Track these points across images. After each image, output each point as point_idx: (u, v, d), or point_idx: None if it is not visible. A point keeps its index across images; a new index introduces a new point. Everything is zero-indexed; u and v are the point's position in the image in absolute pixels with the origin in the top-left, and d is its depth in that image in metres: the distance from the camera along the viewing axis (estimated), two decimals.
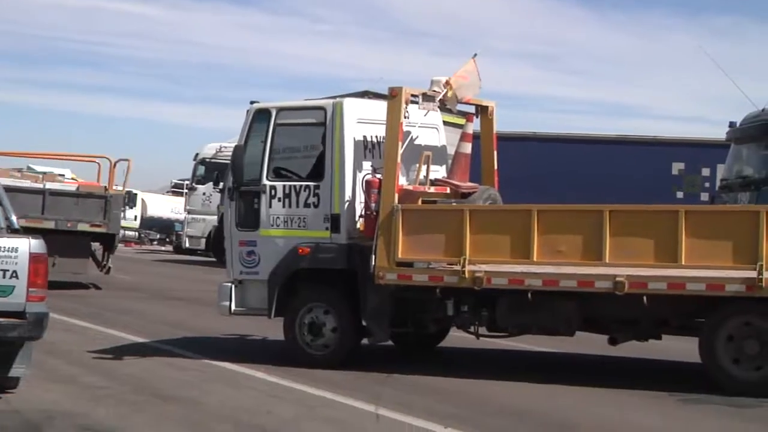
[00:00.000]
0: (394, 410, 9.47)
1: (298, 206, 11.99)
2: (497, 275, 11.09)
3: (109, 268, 22.30)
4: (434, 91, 11.99)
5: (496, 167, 13.18)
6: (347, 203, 11.79)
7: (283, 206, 12.05)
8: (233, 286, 12.30)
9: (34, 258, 9.18)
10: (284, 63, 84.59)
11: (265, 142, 12.16)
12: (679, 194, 26.58)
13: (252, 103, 12.67)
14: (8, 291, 9.10)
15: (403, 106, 11.62)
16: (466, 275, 11.05)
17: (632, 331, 11.33)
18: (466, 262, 11.05)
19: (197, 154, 31.46)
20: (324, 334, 11.81)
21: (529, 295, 10.93)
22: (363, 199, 11.81)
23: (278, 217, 12.08)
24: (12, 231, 9.82)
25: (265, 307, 12.11)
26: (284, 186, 12.09)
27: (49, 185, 21.77)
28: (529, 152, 26.62)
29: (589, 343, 12.13)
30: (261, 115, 12.30)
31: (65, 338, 13.65)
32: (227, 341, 14.14)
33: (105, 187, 22.25)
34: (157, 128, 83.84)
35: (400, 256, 11.36)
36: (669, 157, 27.23)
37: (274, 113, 12.22)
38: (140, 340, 14.09)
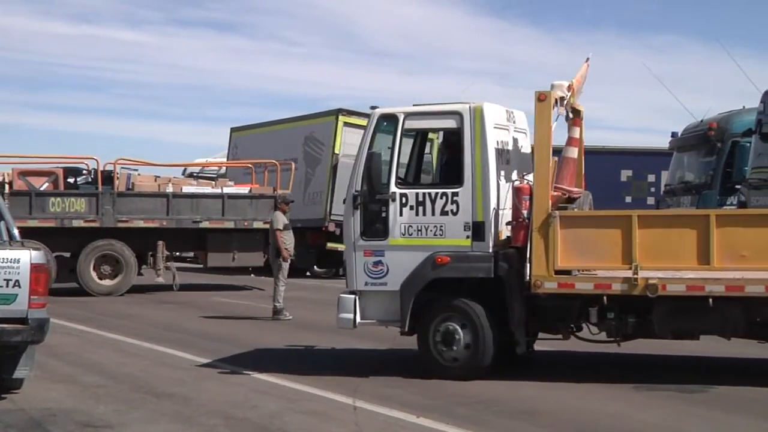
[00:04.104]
0: (371, 402, 9.46)
1: (433, 214, 10.74)
2: (674, 282, 10.09)
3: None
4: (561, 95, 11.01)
5: (583, 171, 12.25)
6: (492, 210, 10.66)
7: (416, 214, 10.79)
8: (356, 297, 11.08)
9: (35, 268, 9.14)
10: (262, 83, 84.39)
11: (392, 148, 10.92)
12: (628, 199, 26.76)
13: (373, 108, 11.39)
14: (11, 299, 9.06)
15: (552, 109, 10.63)
16: (639, 282, 10.07)
17: None
18: (638, 269, 10.09)
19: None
20: (460, 345, 10.70)
21: (710, 301, 9.97)
22: (505, 206, 10.83)
23: (410, 226, 10.80)
24: (14, 243, 9.75)
25: (393, 319, 10.94)
26: (417, 193, 10.87)
27: (226, 190, 22.43)
28: None
29: (554, 340, 12.04)
30: (387, 121, 11.04)
31: (65, 341, 13.56)
32: (215, 341, 14.06)
33: (273, 188, 22.91)
34: (147, 145, 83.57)
35: (559, 264, 10.36)
36: (618, 165, 27.40)
37: (401, 118, 10.94)
38: (135, 341, 14.00)
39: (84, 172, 22.47)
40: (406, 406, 9.27)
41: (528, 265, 10.43)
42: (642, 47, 67.58)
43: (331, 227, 25.43)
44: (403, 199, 10.83)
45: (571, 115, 11.44)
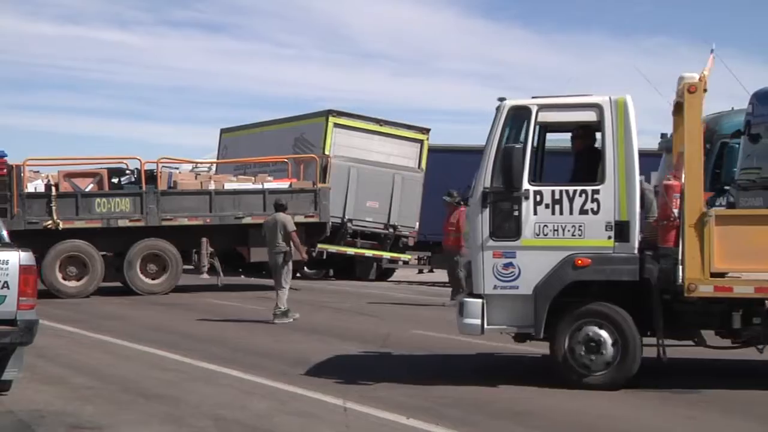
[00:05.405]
0: (361, 404, 9.42)
1: (571, 213, 10.10)
2: None
3: (321, 251, 24.13)
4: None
5: None
6: (636, 209, 10.10)
7: (552, 213, 10.13)
8: (484, 301, 10.32)
9: (24, 269, 9.08)
10: (250, 85, 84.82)
11: (525, 143, 10.24)
12: None
13: (501, 99, 10.50)
14: (0, 300, 9.00)
15: (702, 102, 10.08)
16: None
17: None
18: None
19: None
20: (606, 353, 10.09)
21: None
22: (650, 205, 10.43)
23: (545, 226, 10.14)
24: (3, 245, 9.70)
25: (526, 324, 10.24)
26: (553, 191, 10.21)
27: (267, 185, 22.63)
28: (479, 163, 26.67)
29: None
30: (518, 113, 10.35)
31: (55, 343, 13.48)
32: (205, 343, 14.01)
33: (313, 182, 23.15)
34: (133, 147, 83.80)
35: (715, 266, 9.79)
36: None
37: (534, 110, 10.29)
38: (124, 343, 13.94)
39: (127, 172, 22.72)
40: (396, 407, 9.23)
41: (680, 267, 9.88)
42: (632, 49, 67.89)
43: None
44: (537, 197, 10.20)
45: None
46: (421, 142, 27.24)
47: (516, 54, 77.68)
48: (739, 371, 11.31)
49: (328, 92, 77.23)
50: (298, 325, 16.05)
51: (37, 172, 22.12)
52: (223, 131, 31.85)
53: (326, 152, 25.79)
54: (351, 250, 26.07)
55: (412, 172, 26.72)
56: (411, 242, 27.10)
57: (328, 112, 26.29)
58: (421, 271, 29.71)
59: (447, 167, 26.67)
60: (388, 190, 26.28)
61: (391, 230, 26.46)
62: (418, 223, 26.78)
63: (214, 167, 30.13)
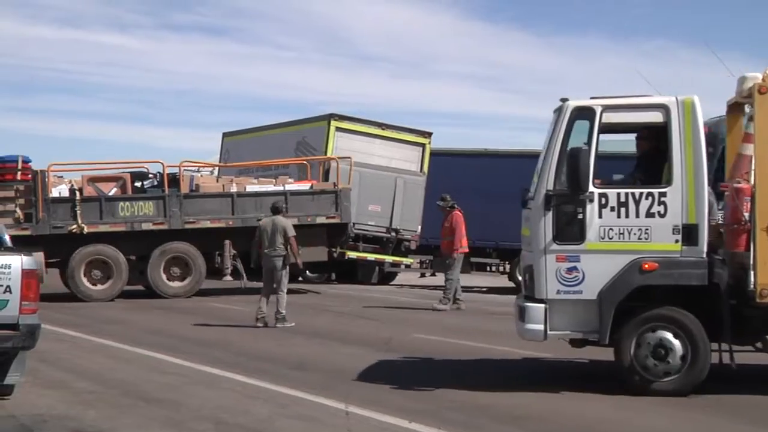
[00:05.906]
0: (363, 407, 9.41)
1: (638, 216, 9.92)
2: None
3: (342, 253, 24.40)
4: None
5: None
6: (705, 212, 9.91)
7: (618, 216, 9.95)
8: (547, 306, 10.13)
9: (26, 273, 9.11)
10: (251, 88, 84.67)
11: (589, 144, 10.09)
12: None
13: (563, 100, 10.27)
14: (2, 305, 9.02)
15: None
16: None
17: None
18: None
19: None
20: (675, 359, 9.92)
21: None
22: (710, 208, 10.16)
23: (611, 229, 9.96)
24: (5, 249, 9.73)
25: (590, 329, 10.04)
26: (619, 193, 10.05)
27: (288, 187, 22.83)
28: (480, 167, 26.69)
29: (555, 349, 11.83)
30: (582, 114, 10.17)
31: (57, 347, 13.50)
32: (206, 346, 14.03)
33: (334, 183, 23.35)
34: (135, 150, 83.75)
35: None
36: (610, 169, 27.36)
37: (598, 111, 10.09)
38: (126, 347, 13.95)
39: (150, 176, 22.89)
40: (398, 411, 9.24)
41: (751, 272, 9.70)
42: (631, 51, 67.87)
43: None
44: (602, 200, 10.03)
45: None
46: (423, 145, 27.25)
47: (514, 56, 77.74)
48: (744, 375, 11.30)
49: (328, 95, 77.14)
50: (300, 329, 16.07)
51: (61, 177, 22.31)
52: (225, 135, 31.88)
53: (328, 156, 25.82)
54: (353, 254, 26.07)
55: (414, 176, 26.72)
56: (413, 246, 27.10)
57: (330, 116, 26.30)
58: (423, 275, 29.72)
59: (449, 171, 26.68)
60: (390, 193, 26.28)
61: (393, 234, 26.46)
62: (420, 227, 26.78)
63: (216, 170, 30.22)
